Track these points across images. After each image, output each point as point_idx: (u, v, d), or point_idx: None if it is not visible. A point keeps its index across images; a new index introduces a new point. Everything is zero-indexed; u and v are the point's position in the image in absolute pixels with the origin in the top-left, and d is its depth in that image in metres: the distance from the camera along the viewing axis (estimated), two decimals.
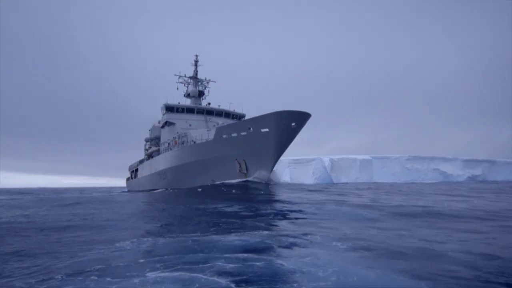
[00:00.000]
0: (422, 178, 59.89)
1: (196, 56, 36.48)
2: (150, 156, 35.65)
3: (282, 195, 13.63)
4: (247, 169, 19.95)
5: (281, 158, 21.04)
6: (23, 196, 24.02)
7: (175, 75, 35.29)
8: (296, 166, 56.70)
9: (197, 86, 35.19)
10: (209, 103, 32.26)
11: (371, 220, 6.96)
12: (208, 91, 35.82)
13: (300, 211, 8.54)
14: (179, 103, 31.13)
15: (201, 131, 25.02)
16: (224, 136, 20.28)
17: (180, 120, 29.86)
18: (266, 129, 18.13)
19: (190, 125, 29.42)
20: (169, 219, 8.10)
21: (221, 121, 28.72)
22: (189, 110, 30.41)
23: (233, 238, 5.26)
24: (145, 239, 5.56)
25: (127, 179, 49.78)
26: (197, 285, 3.28)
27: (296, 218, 7.53)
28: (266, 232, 5.67)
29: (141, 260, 4.26)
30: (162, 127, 32.37)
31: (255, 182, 19.16)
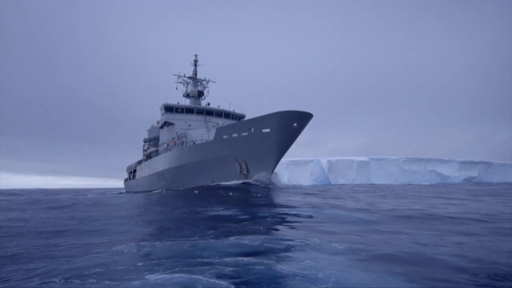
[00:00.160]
0: (419, 179, 60.15)
1: (196, 56, 36.27)
2: (148, 156, 35.44)
3: (279, 198, 13.61)
4: (247, 170, 19.72)
5: None
6: (16, 198, 23.47)
7: (174, 75, 35.14)
8: (294, 168, 56.78)
9: (196, 86, 34.98)
10: (209, 103, 32.03)
11: (368, 224, 7.02)
12: (208, 91, 35.63)
13: (297, 215, 8.58)
14: (178, 103, 30.87)
15: (200, 131, 24.84)
16: (225, 136, 20.04)
17: (180, 121, 29.64)
18: (268, 130, 17.88)
19: (189, 125, 29.24)
20: (166, 223, 8.05)
21: (221, 122, 28.56)
22: (188, 110, 30.17)
23: (232, 242, 5.28)
24: (142, 243, 5.54)
25: (125, 180, 49.39)
26: (198, 287, 3.33)
27: (294, 222, 7.58)
28: (264, 236, 5.71)
29: (140, 264, 4.27)
30: (161, 127, 32.13)
31: (254, 185, 18.97)
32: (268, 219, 7.77)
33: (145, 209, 12.00)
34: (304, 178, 56.36)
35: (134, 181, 41.33)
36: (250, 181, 19.72)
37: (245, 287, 3.31)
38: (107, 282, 3.60)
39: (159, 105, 32.13)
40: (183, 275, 3.67)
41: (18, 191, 60.00)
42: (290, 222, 7.63)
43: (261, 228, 6.68)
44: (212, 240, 5.44)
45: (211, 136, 21.41)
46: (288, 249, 4.79)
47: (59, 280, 3.68)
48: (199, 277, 3.59)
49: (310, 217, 8.20)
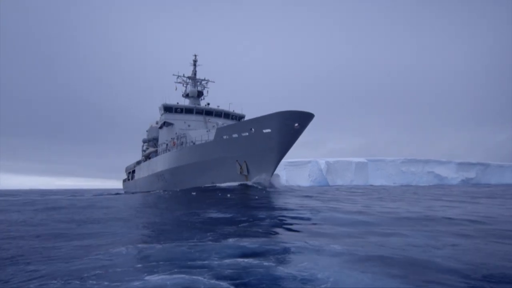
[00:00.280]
0: (417, 180, 60.44)
1: (195, 56, 36.19)
2: (147, 157, 35.35)
3: (276, 200, 13.60)
4: (248, 171, 19.58)
5: None
6: (9, 198, 23.30)
7: (173, 75, 35.12)
8: (292, 169, 56.87)
9: (196, 86, 34.92)
10: (208, 104, 31.91)
11: (365, 226, 7.07)
12: (207, 91, 35.59)
13: (295, 217, 8.64)
14: (177, 103, 30.77)
15: (200, 131, 24.73)
16: (225, 137, 19.93)
17: (179, 121, 29.57)
18: (269, 130, 17.74)
19: (189, 125, 29.18)
20: (163, 225, 8.04)
21: (221, 122, 28.53)
22: (188, 111, 30.11)
23: (230, 244, 5.31)
24: (140, 245, 5.54)
25: (124, 181, 49.27)
26: (201, 286, 3.38)
27: (292, 224, 7.64)
28: (262, 239, 5.75)
29: (139, 265, 4.29)
30: (160, 127, 32.04)
31: (252, 186, 18.84)
32: (266, 222, 7.81)
33: (142, 211, 11.91)
34: (302, 179, 56.50)
35: (133, 182, 41.25)
36: (249, 183, 19.59)
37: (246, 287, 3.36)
38: (106, 283, 3.63)
39: (158, 105, 32.15)
40: (182, 276, 3.71)
41: (12, 191, 59.41)
42: (288, 224, 7.68)
43: (259, 230, 6.72)
44: (210, 243, 5.46)
45: (211, 136, 21.34)
46: (286, 251, 4.84)
47: (59, 282, 3.71)
48: (199, 278, 3.64)
49: (308, 219, 8.25)
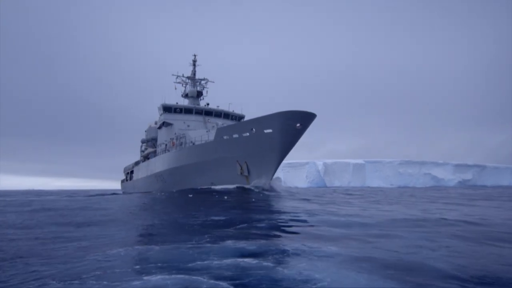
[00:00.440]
0: (414, 182, 60.80)
1: (195, 56, 35.98)
2: (146, 157, 35.13)
3: (273, 203, 13.57)
4: (248, 172, 19.35)
5: None
6: (5, 199, 23.05)
7: (172, 75, 34.94)
8: (290, 170, 56.99)
9: (195, 86, 34.74)
10: (208, 104, 31.70)
11: (362, 229, 7.15)
12: (207, 91, 35.42)
13: (292, 219, 8.71)
14: (177, 103, 30.58)
15: (200, 132, 24.54)
16: (225, 137, 19.69)
17: (178, 121, 29.41)
18: (270, 130, 17.48)
19: (188, 126, 29.02)
20: (161, 228, 7.99)
21: (220, 122, 28.37)
22: (187, 111, 29.93)
23: (229, 246, 5.35)
24: (138, 247, 5.55)
25: (122, 181, 48.97)
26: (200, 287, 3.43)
27: (289, 226, 7.72)
28: (260, 240, 5.80)
29: (137, 267, 4.31)
30: (159, 128, 31.82)
31: (249, 189, 18.64)
32: (264, 224, 7.85)
33: (138, 213, 11.79)
34: (300, 180, 56.66)
35: (131, 182, 41.03)
36: (247, 186, 19.37)
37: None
38: (105, 283, 3.68)
39: (157, 105, 32.01)
40: (181, 276, 3.77)
41: (7, 192, 58.54)
42: (285, 226, 7.76)
43: (257, 232, 6.78)
44: (209, 245, 5.50)
45: (211, 136, 21.15)
46: (284, 252, 4.90)
47: (58, 283, 3.74)
48: (198, 278, 3.70)
49: (304, 221, 8.34)
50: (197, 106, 30.88)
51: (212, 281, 3.58)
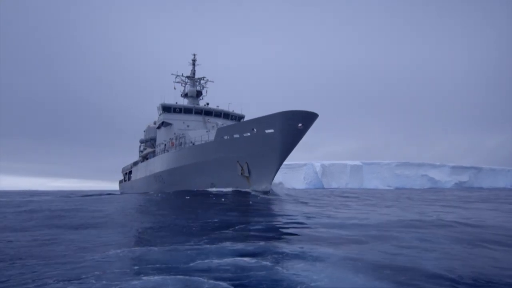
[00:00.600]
0: (411, 184, 61.10)
1: (194, 55, 35.69)
2: (145, 158, 34.81)
3: (270, 206, 13.56)
4: (249, 172, 19.11)
5: None
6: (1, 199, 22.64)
7: (172, 74, 34.64)
8: (288, 171, 57.10)
9: (195, 86, 34.48)
10: (208, 103, 31.42)
11: (358, 231, 7.25)
12: (206, 91, 35.14)
13: (289, 222, 8.79)
14: (176, 103, 30.32)
15: (200, 132, 24.31)
16: (226, 137, 19.46)
17: (178, 121, 29.18)
18: (271, 130, 17.24)
19: (187, 126, 28.78)
20: (158, 230, 7.93)
21: (220, 122, 28.17)
22: (186, 111, 29.67)
23: (227, 247, 5.40)
24: (136, 248, 5.57)
25: (120, 182, 48.47)
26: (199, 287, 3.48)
27: (287, 228, 7.81)
28: (258, 242, 5.87)
29: (136, 267, 4.35)
30: (158, 127, 31.54)
31: (246, 192, 18.43)
32: (261, 226, 7.92)
33: (134, 215, 11.68)
34: (298, 182, 56.77)
35: (130, 183, 40.64)
36: (243, 190, 19.13)
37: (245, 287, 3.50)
38: (105, 282, 3.73)
39: (156, 105, 31.74)
40: (181, 276, 3.82)
41: (5, 192, 57.67)
42: (283, 228, 7.85)
43: (255, 234, 6.85)
44: (207, 246, 5.56)
45: (211, 137, 20.94)
46: (281, 253, 4.97)
47: (57, 283, 3.77)
48: (198, 278, 3.76)
49: (302, 224, 8.42)
50: (196, 106, 30.61)
51: (211, 281, 3.64)
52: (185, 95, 33.74)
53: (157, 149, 31.07)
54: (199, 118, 29.48)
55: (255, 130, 17.73)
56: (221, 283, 3.61)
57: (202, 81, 35.15)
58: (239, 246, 5.51)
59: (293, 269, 4.13)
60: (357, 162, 60.59)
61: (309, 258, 4.69)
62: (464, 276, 3.90)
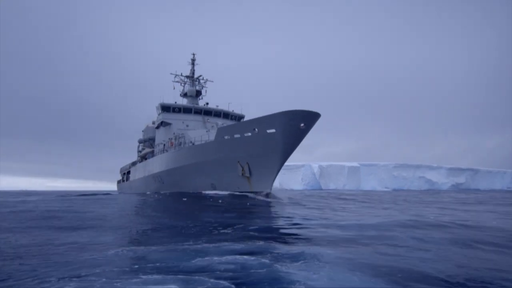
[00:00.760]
0: (409, 185, 61.29)
1: (193, 54, 35.28)
2: (143, 158, 34.53)
3: (268, 208, 13.58)
4: (250, 173, 18.85)
5: None
6: None
7: (171, 73, 34.33)
8: (286, 172, 57.08)
9: (194, 86, 34.14)
10: (207, 103, 31.06)
11: (356, 231, 7.34)
12: (206, 91, 34.77)
13: (288, 223, 8.85)
14: (175, 102, 30.00)
15: (199, 131, 24.02)
16: (226, 137, 19.18)
17: (177, 121, 28.88)
18: (273, 130, 16.80)
19: (187, 125, 28.49)
20: (157, 230, 7.94)
21: (220, 122, 27.92)
22: (186, 110, 29.33)
23: (227, 246, 5.45)
24: (135, 247, 5.58)
25: (118, 182, 48.07)
26: (199, 286, 3.51)
27: (285, 228, 7.90)
28: (258, 242, 5.93)
29: (136, 266, 4.37)
30: (157, 127, 31.17)
31: (243, 195, 18.38)
32: (260, 227, 7.98)
33: (131, 216, 11.55)
34: (296, 183, 56.85)
35: (128, 183, 40.25)
36: (237, 193, 19.00)
37: (245, 286, 3.56)
38: (104, 280, 3.76)
39: (155, 104, 31.45)
40: (181, 275, 3.86)
41: (4, 192, 57.20)
42: (282, 228, 7.92)
43: (254, 234, 6.92)
44: (206, 245, 5.61)
45: (211, 136, 20.68)
46: (281, 252, 5.05)
47: (57, 280, 3.80)
48: (199, 277, 3.81)
49: (299, 224, 8.50)
50: (196, 105, 30.33)
51: (212, 280, 3.69)
52: (185, 95, 33.45)
53: (156, 149, 30.77)
54: (199, 118, 29.21)
55: (256, 130, 17.47)
56: (222, 281, 3.65)
57: (201, 81, 34.89)
58: (239, 245, 5.57)
59: (292, 268, 4.20)
60: (355, 164, 60.70)
61: (308, 257, 4.75)
62: (459, 276, 3.97)
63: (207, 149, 20.62)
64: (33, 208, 13.50)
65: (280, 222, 9.08)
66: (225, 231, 7.35)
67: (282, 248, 5.40)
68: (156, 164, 27.79)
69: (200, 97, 33.78)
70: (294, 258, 4.75)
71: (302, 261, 4.55)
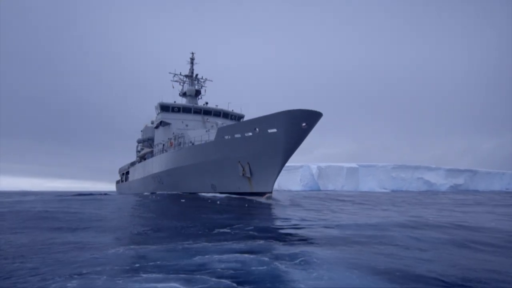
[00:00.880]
0: (407, 186, 61.31)
1: (192, 53, 34.97)
2: (142, 158, 34.26)
3: (266, 209, 13.61)
4: (251, 173, 18.59)
5: None
6: None
7: (169, 73, 34.08)
8: (284, 173, 57.06)
9: (193, 85, 33.89)
10: (207, 103, 30.71)
11: (354, 231, 7.42)
12: (205, 90, 34.53)
13: (287, 223, 8.91)
14: (174, 102, 29.77)
15: (199, 131, 23.81)
16: (227, 137, 18.97)
17: (176, 120, 28.64)
18: (274, 130, 16.56)
19: (186, 125, 28.26)
20: (156, 231, 7.90)
21: (220, 122, 27.64)
22: (185, 110, 29.05)
23: (227, 245, 5.51)
24: (135, 246, 5.62)
25: (117, 182, 47.77)
26: (198, 285, 3.54)
27: (283, 229, 7.94)
28: (257, 241, 6.00)
29: (137, 265, 4.41)
30: (156, 127, 30.89)
31: (244, 198, 18.12)
32: (258, 227, 8.02)
33: (129, 216, 11.48)
34: (294, 184, 56.80)
35: (127, 184, 39.99)
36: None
37: (246, 284, 3.59)
38: (105, 277, 3.80)
39: (154, 104, 31.24)
40: (183, 274, 3.90)
41: (3, 193, 56.96)
42: (280, 229, 7.97)
43: (253, 233, 6.99)
44: (206, 244, 5.67)
45: (211, 136, 20.49)
46: (280, 252, 5.09)
47: (59, 277, 3.85)
48: (199, 275, 3.84)
49: (298, 225, 8.55)
50: (195, 105, 30.06)
51: (212, 279, 3.73)
52: (184, 94, 33.22)
53: (155, 149, 30.51)
54: (198, 117, 29.01)
55: (257, 129, 17.22)
56: (223, 280, 3.69)
57: (200, 80, 34.67)
58: (238, 245, 5.62)
59: (292, 266, 4.24)
60: (353, 165, 60.72)
61: (307, 256, 4.80)
62: (456, 277, 4.01)
63: (207, 149, 20.41)
64: (26, 209, 13.20)
65: (279, 223, 9.13)
66: (225, 230, 7.39)
67: (282, 247, 5.44)
68: (156, 165, 27.57)
69: (200, 96, 33.55)
70: (294, 257, 4.79)
71: (302, 260, 4.59)
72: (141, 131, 36.75)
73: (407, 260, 4.76)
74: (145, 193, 27.74)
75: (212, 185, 21.02)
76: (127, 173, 40.58)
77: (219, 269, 4.13)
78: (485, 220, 10.31)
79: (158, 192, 25.93)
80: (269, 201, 17.06)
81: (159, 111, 29.96)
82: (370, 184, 59.55)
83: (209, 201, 16.39)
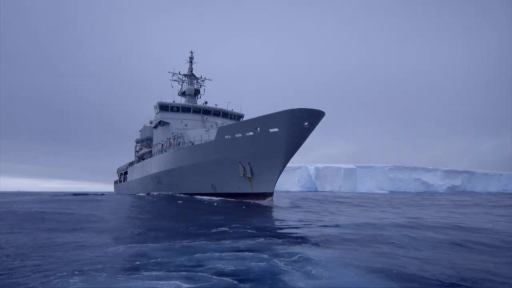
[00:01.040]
0: (405, 187, 61.53)
1: (191, 52, 34.56)
2: (141, 158, 33.89)
3: (264, 210, 13.57)
4: (252, 173, 18.38)
5: None
6: None
7: (168, 72, 33.74)
8: (282, 174, 56.79)
9: (192, 84, 33.64)
10: (206, 102, 30.38)
11: (353, 231, 7.49)
12: (204, 89, 34.33)
13: (285, 223, 8.98)
14: (173, 101, 29.51)
15: (199, 131, 23.52)
16: (227, 136, 18.67)
17: (175, 120, 28.34)
18: (276, 129, 16.22)
19: (186, 125, 27.93)
20: (155, 230, 7.90)
21: (220, 121, 27.39)
22: (184, 109, 28.71)
23: (226, 244, 5.55)
24: (135, 245, 5.64)
25: (115, 182, 47.47)
26: (199, 282, 3.57)
27: (282, 228, 8.01)
28: (257, 239, 6.04)
29: (137, 263, 4.44)
30: (155, 127, 30.62)
31: (241, 201, 18.09)
32: (257, 227, 8.05)
33: (128, 217, 11.40)
34: (292, 185, 56.87)
35: (125, 184, 39.73)
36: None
37: (245, 282, 3.62)
38: (105, 275, 3.83)
39: (153, 103, 30.99)
40: (184, 272, 3.93)
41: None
42: (279, 229, 8.03)
43: (252, 232, 7.06)
44: (205, 242, 5.71)
45: (211, 136, 20.20)
46: (279, 251, 5.13)
47: (61, 273, 3.90)
48: (199, 273, 3.87)
49: (296, 225, 8.60)
50: (194, 104, 29.72)
51: (212, 276, 3.77)
52: (183, 94, 32.99)
53: (154, 149, 30.20)
54: (197, 117, 28.69)
55: (258, 129, 16.87)
56: (224, 278, 3.72)
57: (199, 79, 34.44)
58: (237, 243, 5.66)
59: (291, 264, 4.29)
60: (351, 165, 60.84)
61: (307, 255, 4.84)
62: (453, 277, 4.06)
63: (207, 149, 20.15)
64: (24, 209, 12.93)
65: (278, 223, 9.19)
66: (224, 229, 7.43)
67: (281, 246, 5.48)
68: (154, 165, 27.33)
69: (199, 95, 33.34)
70: (293, 255, 4.83)
71: (301, 259, 4.64)
72: (140, 131, 36.50)
73: (406, 260, 4.80)
74: (141, 194, 27.42)
75: (212, 186, 20.79)
76: (126, 173, 40.31)
77: (219, 267, 4.16)
78: (483, 221, 10.35)
79: (153, 193, 25.72)
80: (266, 203, 16.85)
81: (158, 110, 29.75)
82: (367, 185, 59.68)
83: (206, 203, 16.31)
